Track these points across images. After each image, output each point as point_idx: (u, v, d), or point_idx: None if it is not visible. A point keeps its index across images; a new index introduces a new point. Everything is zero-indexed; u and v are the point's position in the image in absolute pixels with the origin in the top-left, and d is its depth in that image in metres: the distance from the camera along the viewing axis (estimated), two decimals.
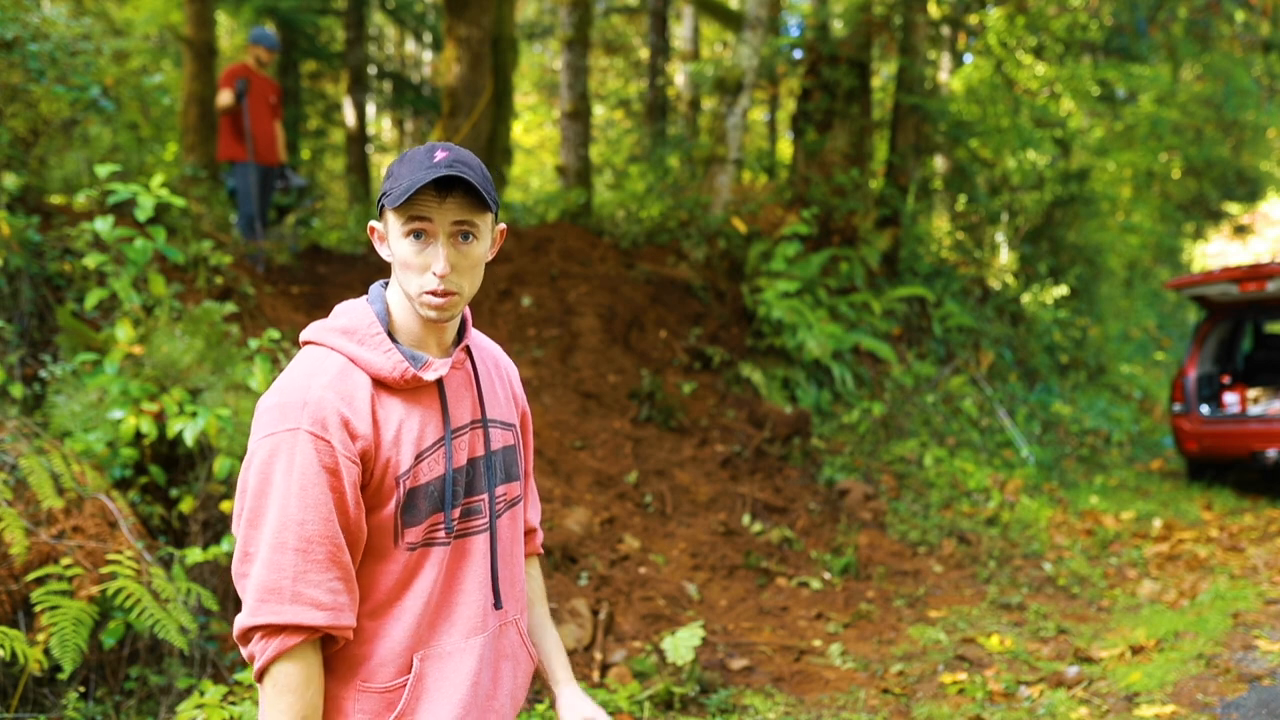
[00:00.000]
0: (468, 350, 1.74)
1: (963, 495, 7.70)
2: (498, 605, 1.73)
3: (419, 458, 1.61)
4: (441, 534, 1.64)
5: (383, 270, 7.43)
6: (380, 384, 1.60)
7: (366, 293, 1.73)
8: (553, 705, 2.09)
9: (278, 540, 1.51)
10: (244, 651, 1.54)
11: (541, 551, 2.08)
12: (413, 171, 1.57)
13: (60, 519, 3.53)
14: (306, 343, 1.66)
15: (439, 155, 1.58)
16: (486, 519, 1.71)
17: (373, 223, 1.69)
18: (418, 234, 1.58)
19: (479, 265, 1.64)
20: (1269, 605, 5.62)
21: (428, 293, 1.59)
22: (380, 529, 1.60)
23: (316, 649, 1.55)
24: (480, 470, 1.71)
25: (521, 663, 1.82)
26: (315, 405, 1.53)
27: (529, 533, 2.01)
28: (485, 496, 1.71)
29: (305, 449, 1.51)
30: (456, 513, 1.66)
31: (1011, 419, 9.65)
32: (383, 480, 1.58)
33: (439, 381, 1.66)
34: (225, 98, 7.34)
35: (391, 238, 1.61)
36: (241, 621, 1.53)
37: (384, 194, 1.61)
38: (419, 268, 1.59)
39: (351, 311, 1.66)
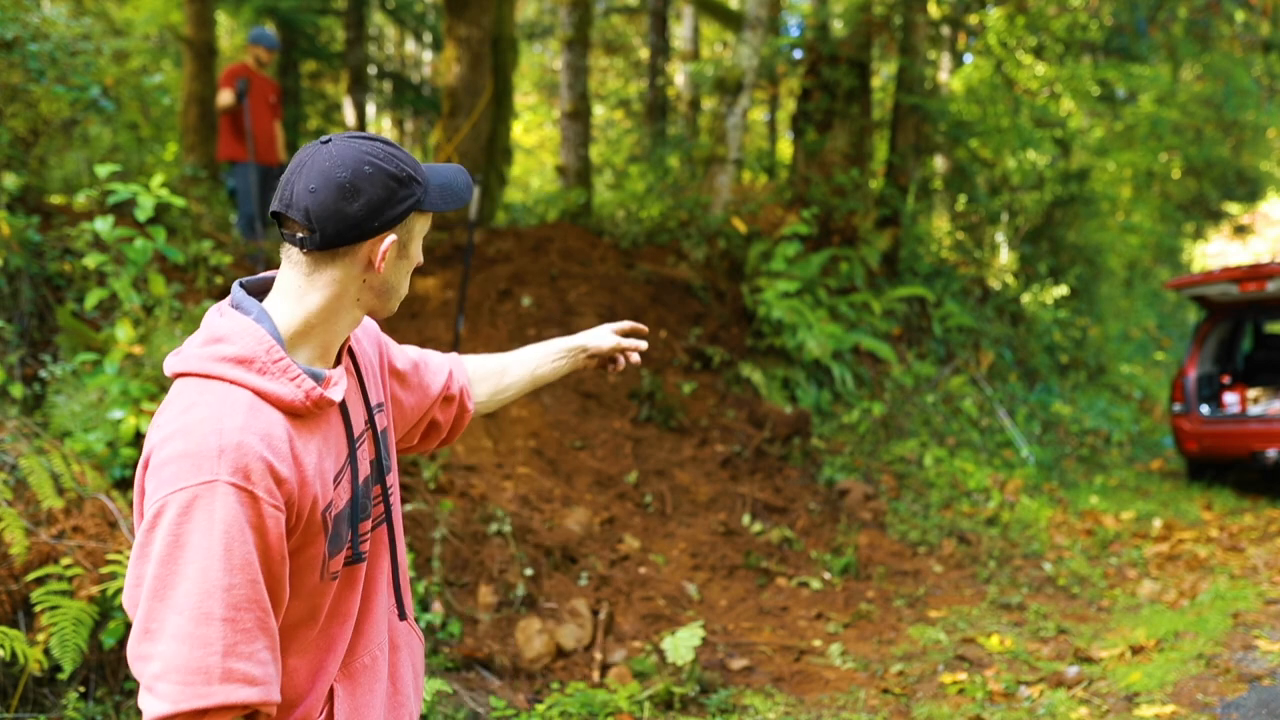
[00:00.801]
0: (349, 350, 1.62)
1: (963, 495, 7.70)
2: (401, 616, 1.65)
3: (335, 482, 1.49)
4: (352, 554, 1.53)
5: None
6: (291, 414, 1.43)
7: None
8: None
9: (201, 611, 1.30)
10: None
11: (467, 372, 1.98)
12: (438, 173, 1.54)
13: (60, 519, 3.53)
14: (194, 375, 1.42)
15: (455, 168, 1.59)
16: (383, 513, 1.63)
17: (392, 236, 1.49)
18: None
19: None
20: (1269, 605, 5.62)
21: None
22: (308, 567, 1.47)
23: None
24: (372, 480, 1.60)
25: (415, 648, 1.75)
26: (234, 452, 1.33)
27: (462, 387, 1.92)
28: (381, 507, 1.62)
29: (225, 502, 1.31)
30: (367, 525, 1.56)
31: (1011, 419, 9.65)
32: (310, 519, 1.44)
33: None
34: (226, 97, 7.34)
35: (415, 240, 1.55)
36: (156, 710, 1.29)
37: (413, 198, 1.49)
38: (407, 280, 1.56)
39: (240, 334, 1.43)
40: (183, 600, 1.30)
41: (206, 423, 1.35)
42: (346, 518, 1.51)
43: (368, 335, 1.75)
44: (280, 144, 7.69)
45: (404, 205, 1.48)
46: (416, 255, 1.56)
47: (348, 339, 1.59)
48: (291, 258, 1.49)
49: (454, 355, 1.98)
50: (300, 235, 1.45)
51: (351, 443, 1.53)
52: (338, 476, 1.50)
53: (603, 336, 2.06)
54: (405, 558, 1.73)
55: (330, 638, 1.53)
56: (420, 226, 1.55)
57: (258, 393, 1.40)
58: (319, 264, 1.47)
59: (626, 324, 2.10)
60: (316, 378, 1.48)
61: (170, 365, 1.46)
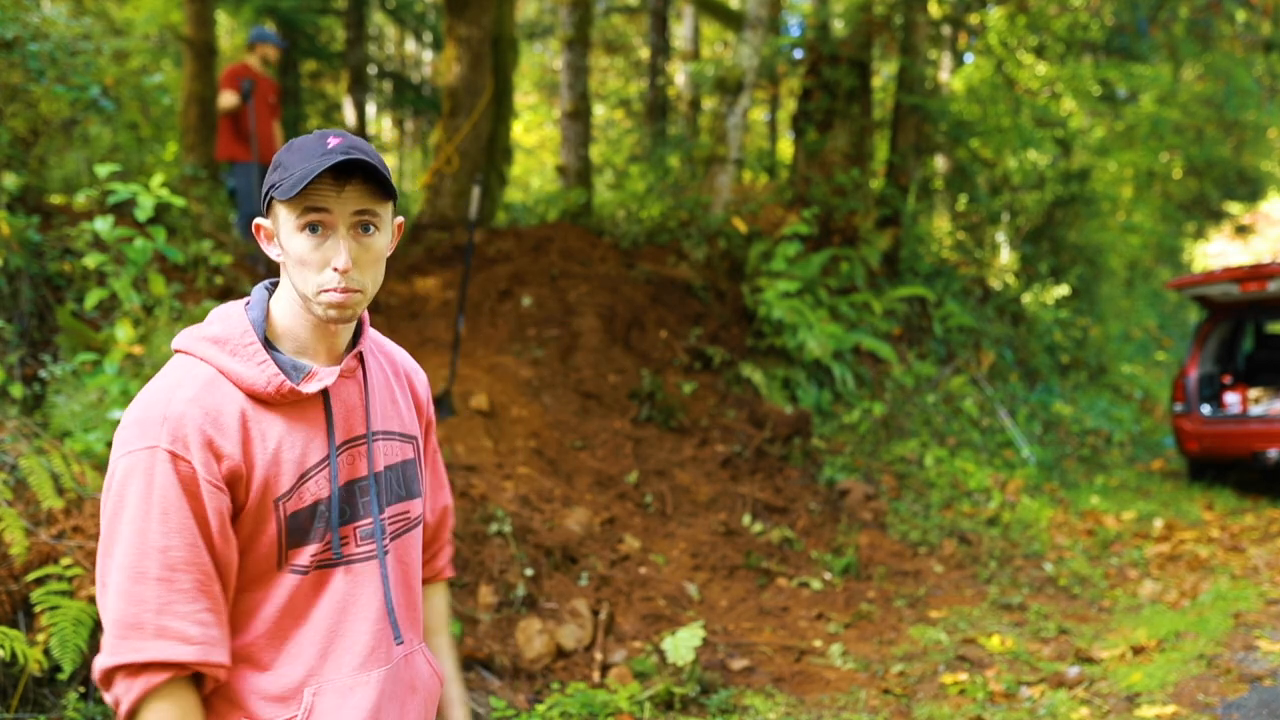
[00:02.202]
0: (360, 357, 1.58)
1: (963, 495, 7.70)
2: (397, 639, 1.58)
3: (303, 478, 1.48)
4: (330, 556, 1.51)
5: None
6: (256, 398, 1.45)
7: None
8: None
9: (137, 569, 1.36)
10: (108, 697, 1.38)
11: (450, 574, 1.91)
12: (305, 159, 1.43)
13: (60, 519, 3.52)
14: (177, 351, 1.51)
15: (332, 141, 1.45)
16: (374, 543, 1.56)
17: (259, 220, 1.53)
18: (313, 227, 1.44)
19: (381, 259, 1.51)
20: (1270, 605, 5.61)
21: (326, 291, 1.45)
22: (261, 554, 1.47)
23: (190, 688, 1.40)
24: (362, 491, 1.55)
25: (433, 693, 1.69)
26: (175, 421, 1.39)
27: (436, 553, 1.85)
28: (372, 520, 1.56)
29: (164, 469, 1.37)
30: (348, 532, 1.53)
31: (1012, 419, 9.64)
32: (260, 504, 1.44)
33: (324, 393, 1.51)
34: (230, 98, 7.30)
35: (283, 234, 1.47)
36: (101, 663, 1.37)
37: (272, 186, 1.46)
38: (317, 264, 1.44)
39: (226, 318, 1.51)
40: (121, 558, 1.37)
41: (161, 392, 1.43)
42: (318, 515, 1.49)
43: (409, 377, 1.74)
44: (280, 144, 7.68)
45: (269, 193, 1.49)
46: (295, 247, 1.46)
47: (357, 347, 1.56)
48: None
49: (447, 545, 1.91)
50: None
51: (332, 445, 1.51)
52: (307, 473, 1.48)
53: None
54: (410, 590, 1.66)
55: (294, 639, 1.49)
56: (288, 214, 1.46)
57: (222, 371, 1.46)
58: None
59: None
60: (299, 369, 1.50)
61: (173, 342, 1.54)
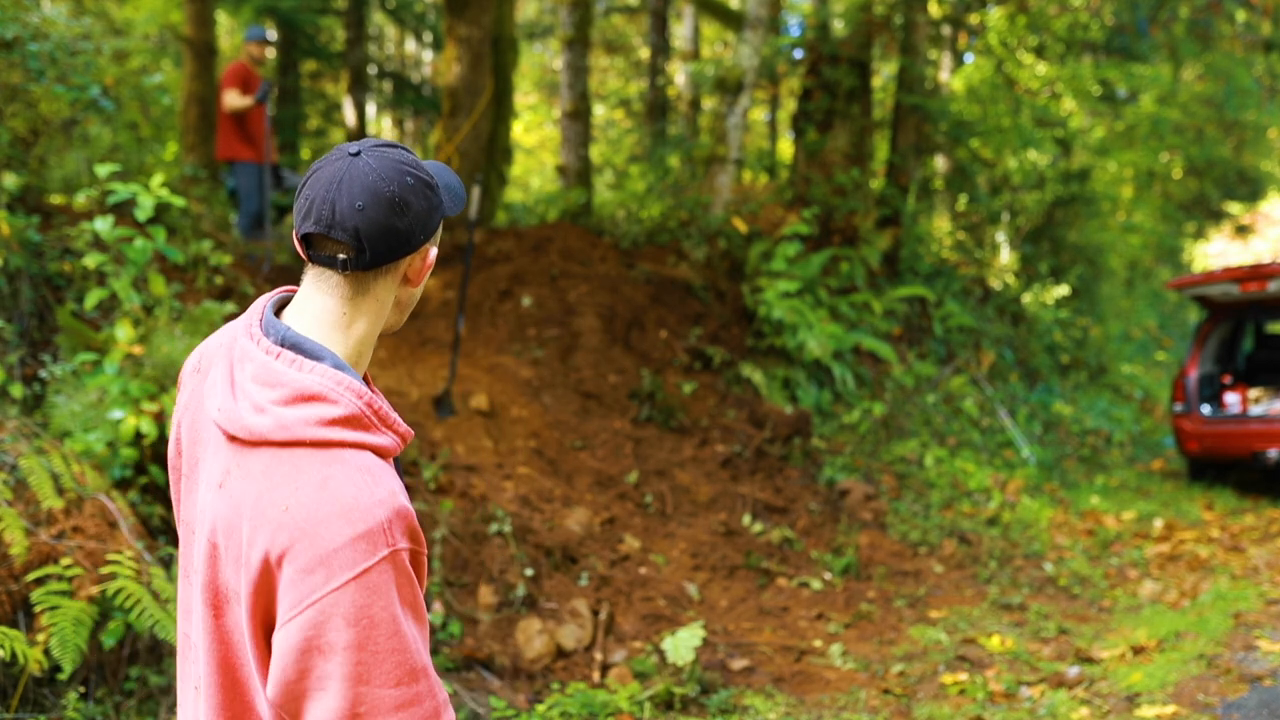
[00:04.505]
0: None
1: (963, 495, 7.70)
2: None
3: None
4: None
5: None
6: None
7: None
8: None
9: (410, 670, 1.29)
10: None
11: None
12: (435, 173, 1.48)
13: (60, 519, 3.52)
14: (294, 444, 1.32)
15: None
16: None
17: (434, 250, 1.45)
18: None
19: None
20: (1270, 605, 5.61)
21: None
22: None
23: None
24: None
25: None
26: (399, 518, 1.31)
27: None
28: None
29: (402, 566, 1.30)
30: None
31: (1012, 419, 9.64)
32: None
33: None
34: (242, 99, 7.27)
35: (423, 269, 1.46)
36: None
37: (442, 205, 1.44)
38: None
39: (337, 392, 1.34)
40: (392, 671, 1.27)
41: (361, 498, 1.28)
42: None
43: None
44: (273, 143, 7.70)
45: (438, 214, 1.43)
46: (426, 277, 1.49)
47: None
48: (328, 282, 1.40)
49: None
50: (343, 256, 1.36)
51: (399, 469, 1.50)
52: None
53: None
54: None
55: None
56: (433, 242, 1.47)
57: (374, 450, 1.35)
58: (361, 286, 1.40)
59: None
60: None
61: (262, 429, 1.32)
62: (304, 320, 1.41)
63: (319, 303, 1.41)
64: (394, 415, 1.40)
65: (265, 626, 1.32)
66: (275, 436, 1.31)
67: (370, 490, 1.29)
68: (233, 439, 1.35)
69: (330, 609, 1.24)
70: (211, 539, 1.36)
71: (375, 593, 1.25)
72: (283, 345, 1.38)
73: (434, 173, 1.48)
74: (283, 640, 1.27)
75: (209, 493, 1.38)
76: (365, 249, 1.35)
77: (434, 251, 1.45)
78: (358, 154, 1.37)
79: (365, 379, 1.48)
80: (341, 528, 1.26)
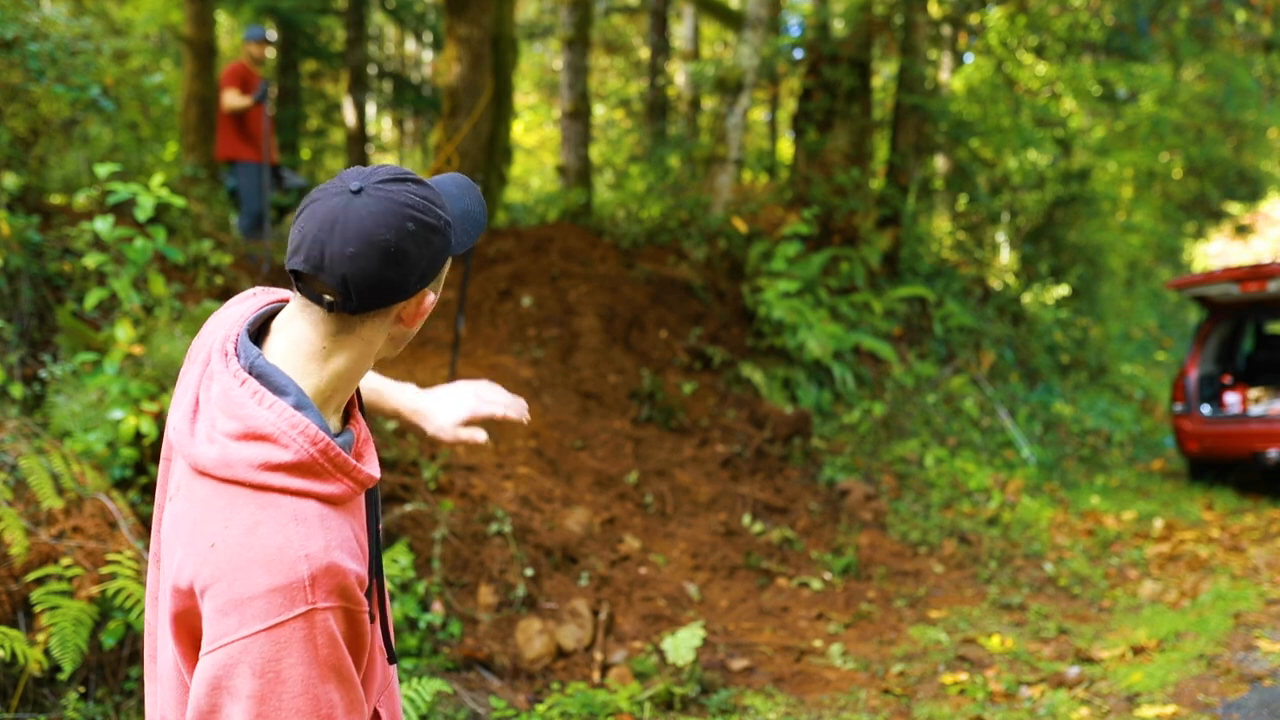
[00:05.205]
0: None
1: (963, 495, 7.70)
2: (392, 660, 1.57)
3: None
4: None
5: None
6: (340, 504, 1.33)
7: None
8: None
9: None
10: None
11: None
12: (454, 197, 1.40)
13: (60, 519, 3.52)
14: (235, 483, 1.27)
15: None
16: None
17: (431, 296, 1.38)
18: None
19: None
20: (1270, 605, 5.61)
21: None
22: (375, 649, 1.43)
23: None
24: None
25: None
26: (327, 576, 1.25)
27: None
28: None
29: (326, 627, 1.24)
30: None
31: (1012, 419, 9.64)
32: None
33: None
34: (242, 99, 7.27)
35: (420, 310, 1.38)
36: None
37: (448, 246, 1.35)
38: None
39: (289, 436, 1.27)
40: None
41: (287, 549, 1.23)
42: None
43: None
44: (274, 143, 7.70)
45: (442, 257, 1.34)
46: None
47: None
48: (313, 315, 1.33)
49: None
50: (330, 299, 1.29)
51: (375, 511, 1.43)
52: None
53: (445, 422, 1.85)
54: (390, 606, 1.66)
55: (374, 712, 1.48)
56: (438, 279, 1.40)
57: (321, 499, 1.29)
58: (347, 326, 1.32)
59: (483, 411, 1.86)
60: (346, 445, 1.36)
61: (206, 462, 1.28)
62: (281, 345, 1.35)
63: (300, 331, 1.34)
64: (356, 461, 1.34)
65: (193, 644, 1.30)
66: (217, 472, 1.27)
67: (300, 542, 1.23)
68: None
69: (239, 655, 1.21)
70: (162, 539, 1.37)
71: (285, 649, 1.20)
72: (250, 372, 1.31)
73: (454, 196, 1.40)
74: (200, 670, 1.24)
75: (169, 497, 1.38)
76: (352, 297, 1.28)
77: (433, 297, 1.37)
78: (359, 191, 1.28)
79: (351, 406, 1.44)
80: (259, 577, 1.21)
